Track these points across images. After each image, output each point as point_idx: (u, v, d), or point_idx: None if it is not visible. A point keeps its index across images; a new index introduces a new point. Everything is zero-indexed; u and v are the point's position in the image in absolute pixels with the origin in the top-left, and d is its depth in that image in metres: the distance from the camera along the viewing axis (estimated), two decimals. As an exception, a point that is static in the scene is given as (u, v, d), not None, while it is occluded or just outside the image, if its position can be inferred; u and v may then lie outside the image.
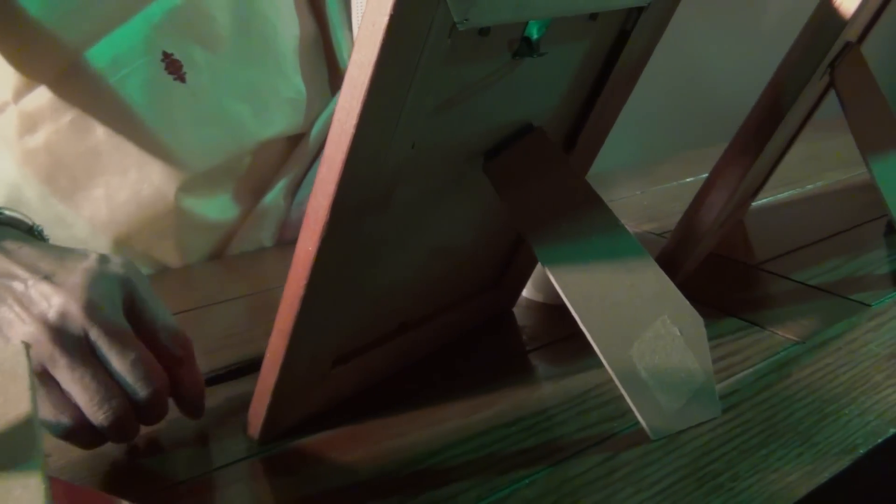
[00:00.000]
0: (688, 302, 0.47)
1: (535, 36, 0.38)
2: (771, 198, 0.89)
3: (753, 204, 0.85)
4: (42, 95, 0.64)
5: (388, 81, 0.31)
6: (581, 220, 0.44)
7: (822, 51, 0.49)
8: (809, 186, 0.94)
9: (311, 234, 0.35)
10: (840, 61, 0.60)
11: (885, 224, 0.79)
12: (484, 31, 0.35)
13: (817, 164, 1.04)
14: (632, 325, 0.45)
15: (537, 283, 0.61)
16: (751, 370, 0.53)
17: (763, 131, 0.53)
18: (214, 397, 0.49)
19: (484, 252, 0.52)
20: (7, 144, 0.66)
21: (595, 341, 0.44)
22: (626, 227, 0.46)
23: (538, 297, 0.63)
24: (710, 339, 0.57)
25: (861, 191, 0.92)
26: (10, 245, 0.41)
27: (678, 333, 0.47)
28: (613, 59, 0.45)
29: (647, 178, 1.02)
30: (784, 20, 1.94)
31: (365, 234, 0.37)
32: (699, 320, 0.47)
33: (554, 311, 0.61)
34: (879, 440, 0.45)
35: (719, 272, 0.69)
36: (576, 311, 0.43)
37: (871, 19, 0.65)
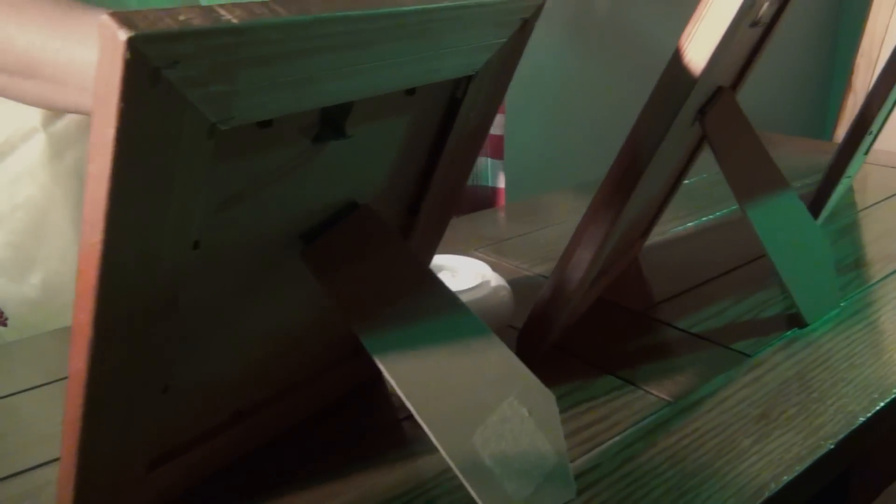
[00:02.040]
0: (537, 379, 0.44)
1: (336, 119, 0.35)
2: (680, 227, 0.88)
3: (658, 234, 0.83)
4: (71, 118, 0.65)
5: (135, 192, 0.27)
6: (414, 303, 0.41)
7: (677, 104, 0.47)
8: (714, 215, 0.93)
9: (80, 352, 0.31)
10: (711, 107, 0.58)
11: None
12: (265, 124, 0.31)
13: (723, 191, 1.03)
14: (475, 410, 0.42)
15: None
16: (617, 438, 0.51)
17: (623, 187, 0.51)
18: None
19: (333, 325, 0.49)
20: (35, 169, 0.67)
21: (433, 432, 0.41)
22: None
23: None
24: (581, 402, 0.55)
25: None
26: None
27: (527, 414, 0.44)
28: (448, 126, 0.42)
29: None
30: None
31: (154, 339, 0.34)
32: (550, 398, 0.45)
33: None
34: (733, 522, 0.43)
35: (602, 321, 0.67)
36: (410, 402, 0.40)
37: (744, 63, 0.64)
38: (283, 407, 0.48)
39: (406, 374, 0.40)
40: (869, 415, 0.53)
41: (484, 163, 1.09)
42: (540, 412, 0.44)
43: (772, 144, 1.31)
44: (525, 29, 0.41)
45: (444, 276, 0.64)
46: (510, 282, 0.76)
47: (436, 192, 0.46)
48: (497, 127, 1.04)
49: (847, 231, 0.88)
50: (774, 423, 0.52)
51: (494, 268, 0.79)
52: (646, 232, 0.78)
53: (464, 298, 0.59)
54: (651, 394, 0.56)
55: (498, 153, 1.07)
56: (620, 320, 0.67)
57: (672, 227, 0.90)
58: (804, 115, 2.25)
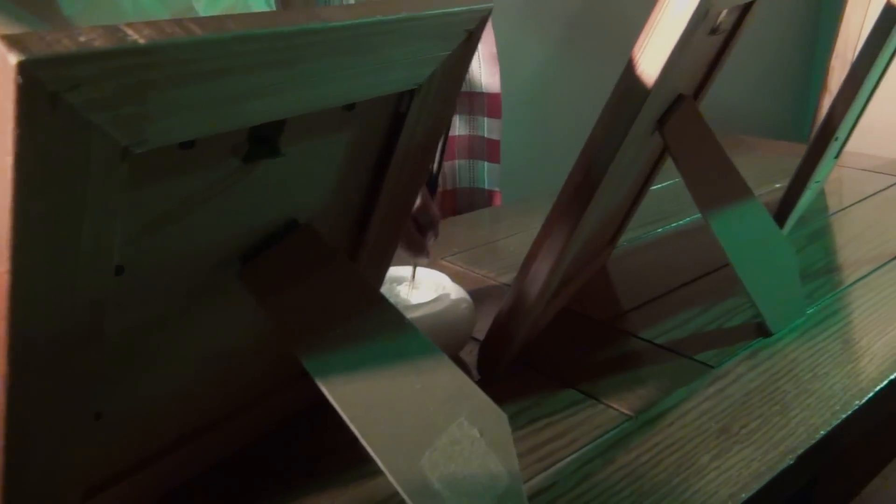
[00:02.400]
0: (489, 399, 0.43)
1: (268, 138, 0.33)
2: (650, 233, 0.87)
3: (627, 241, 0.82)
4: None
5: (41, 219, 0.26)
6: (359, 323, 0.40)
7: (631, 116, 0.46)
8: (684, 221, 0.93)
9: (-6, 384, 0.30)
10: (670, 116, 0.57)
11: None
12: (187, 145, 0.30)
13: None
14: (423, 432, 0.41)
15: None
16: (575, 455, 0.50)
17: (579, 200, 0.50)
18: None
19: (280, 345, 0.48)
20: None
21: (378, 456, 0.40)
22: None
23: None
24: (540, 418, 0.54)
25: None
26: None
27: (478, 435, 0.43)
28: (393, 141, 0.41)
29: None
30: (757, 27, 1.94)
31: (78, 367, 0.33)
32: (502, 418, 0.44)
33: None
34: (688, 544, 0.42)
35: (567, 332, 0.66)
36: (354, 426, 0.39)
37: (706, 71, 0.63)
38: (231, 429, 0.47)
39: (349, 397, 0.39)
40: (830, 428, 0.52)
41: (481, 166, 1.10)
42: (492, 432, 0.43)
43: (745, 147, 1.32)
44: (471, 40, 0.40)
45: (403, 289, 0.63)
46: (476, 291, 0.75)
47: (384, 208, 0.45)
48: (493, 132, 1.06)
49: (817, 236, 0.88)
50: (735, 437, 0.51)
51: (462, 277, 0.78)
52: (613, 240, 0.77)
53: (422, 312, 0.58)
54: (612, 408, 0.55)
55: (494, 157, 1.08)
56: (585, 331, 0.67)
57: (641, 233, 0.89)
58: (785, 117, 2.25)
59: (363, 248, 0.46)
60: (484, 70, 1.05)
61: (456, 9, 0.37)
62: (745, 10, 0.61)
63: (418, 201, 0.56)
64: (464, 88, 1.07)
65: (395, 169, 0.43)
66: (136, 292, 0.34)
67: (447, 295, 0.59)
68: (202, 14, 0.76)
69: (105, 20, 0.73)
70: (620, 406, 0.55)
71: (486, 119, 1.08)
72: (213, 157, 0.32)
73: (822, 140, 0.70)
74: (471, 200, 1.12)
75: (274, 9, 0.81)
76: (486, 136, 1.08)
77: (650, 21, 0.45)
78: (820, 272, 0.77)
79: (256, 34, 0.28)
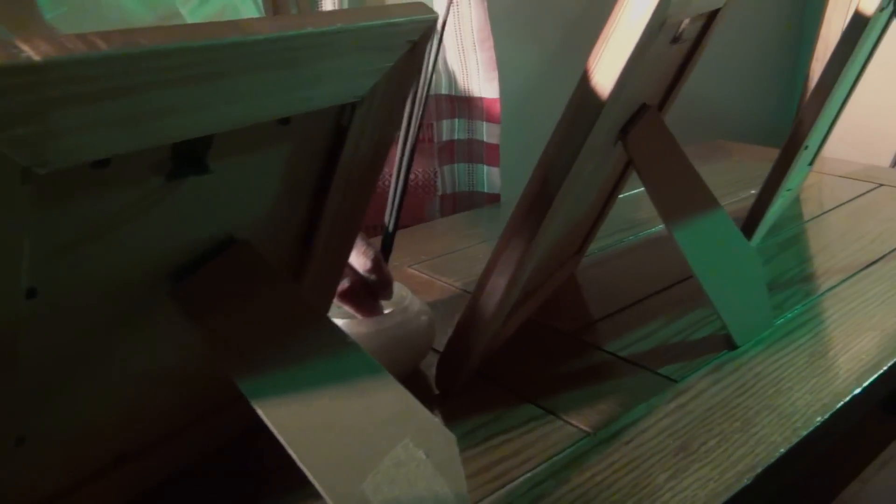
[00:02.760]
0: (436, 420, 0.42)
1: (195, 154, 0.32)
2: (620, 242, 0.86)
3: (597, 249, 0.81)
4: None
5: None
6: (298, 342, 0.39)
7: (586, 127, 0.45)
8: (655, 229, 0.92)
9: None
10: (633, 126, 0.56)
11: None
12: (101, 163, 0.29)
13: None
14: (365, 455, 0.40)
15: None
16: (528, 475, 0.48)
17: (535, 212, 0.48)
18: None
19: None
20: None
21: (317, 480, 0.38)
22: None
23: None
24: (496, 434, 0.53)
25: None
26: None
27: (424, 457, 0.42)
28: (336, 154, 0.40)
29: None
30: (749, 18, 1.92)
31: (-6, 394, 0.31)
32: (450, 439, 0.43)
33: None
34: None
35: (530, 345, 0.65)
36: (292, 449, 0.38)
37: (671, 80, 0.62)
38: (171, 450, 0.46)
39: (286, 419, 0.38)
40: (790, 445, 0.51)
41: (480, 170, 1.11)
42: (439, 454, 0.42)
43: (724, 152, 1.31)
44: (416, 51, 0.39)
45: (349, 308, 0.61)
46: (441, 301, 0.74)
47: (331, 223, 0.43)
48: (493, 136, 1.07)
49: (789, 244, 0.87)
50: (693, 455, 0.50)
51: (427, 286, 0.77)
52: (580, 249, 0.76)
53: (379, 326, 0.57)
54: (570, 424, 0.54)
55: (494, 161, 1.09)
56: (549, 343, 0.65)
57: (613, 241, 0.88)
58: (771, 121, 2.25)
59: (309, 267, 0.45)
60: (482, 76, 1.04)
61: (395, 20, 0.36)
62: (711, 18, 0.60)
63: (368, 263, 0.54)
64: (462, 94, 1.06)
65: (339, 184, 0.41)
66: (54, 314, 0.32)
67: (405, 308, 0.58)
68: (189, 19, 0.74)
69: (88, 26, 0.71)
70: (579, 422, 0.54)
71: (485, 123, 1.07)
72: (132, 176, 0.31)
73: (791, 149, 0.69)
74: (470, 204, 1.12)
75: (262, 14, 0.79)
76: (485, 140, 1.08)
77: (605, 31, 0.44)
78: (790, 282, 0.76)
79: (169, 49, 0.27)
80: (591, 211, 0.70)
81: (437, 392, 0.58)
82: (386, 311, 0.59)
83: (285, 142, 0.37)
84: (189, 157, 0.32)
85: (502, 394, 0.58)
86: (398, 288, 0.62)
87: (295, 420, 0.38)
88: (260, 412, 0.38)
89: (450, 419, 0.55)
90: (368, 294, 0.56)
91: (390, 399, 0.41)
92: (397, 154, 0.61)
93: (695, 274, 0.61)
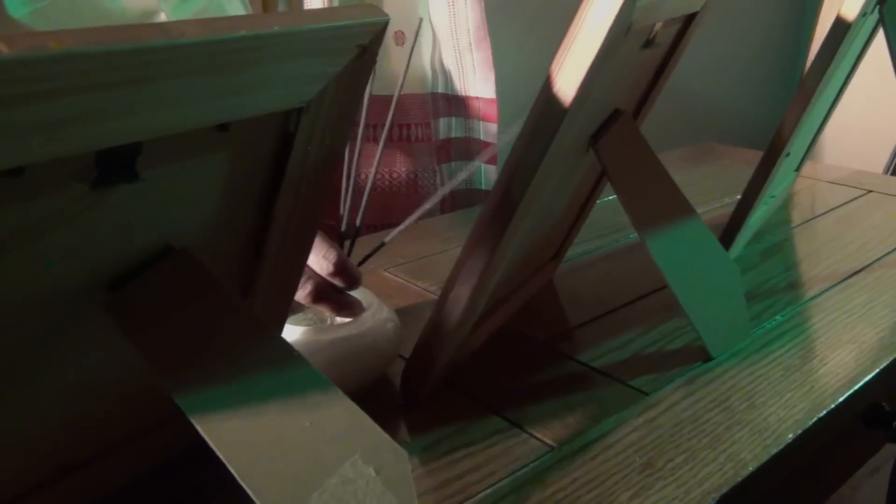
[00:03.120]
0: (387, 436, 0.41)
1: (123, 161, 0.31)
2: (595, 246, 0.84)
3: (577, 255, 0.80)
4: None
5: None
6: (240, 355, 0.37)
7: (549, 135, 0.44)
8: (635, 235, 0.90)
9: None
10: (604, 133, 0.55)
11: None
12: (14, 172, 0.27)
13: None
14: (311, 472, 0.38)
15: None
16: (488, 491, 0.47)
17: (498, 221, 0.47)
18: None
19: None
20: None
21: (259, 498, 0.37)
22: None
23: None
24: (459, 447, 0.52)
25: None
26: None
27: (374, 474, 0.40)
28: (283, 162, 0.39)
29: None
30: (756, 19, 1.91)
31: None
32: (402, 455, 0.41)
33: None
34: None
35: (501, 353, 0.63)
36: (232, 466, 0.36)
37: (647, 85, 0.61)
38: (118, 462, 0.44)
39: (227, 435, 0.37)
40: (760, 463, 0.50)
41: (478, 168, 1.11)
42: (390, 471, 0.40)
43: (714, 155, 1.30)
44: (366, 55, 0.37)
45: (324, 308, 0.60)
46: (414, 306, 0.72)
47: (282, 230, 0.42)
48: (489, 135, 1.06)
49: (773, 251, 0.86)
50: (658, 473, 0.49)
51: (401, 291, 0.75)
52: (557, 255, 0.74)
53: (341, 333, 0.55)
54: (535, 437, 0.52)
55: (491, 159, 1.09)
56: (521, 352, 0.64)
57: (593, 247, 0.86)
58: (770, 124, 2.24)
59: (262, 274, 0.43)
60: (478, 75, 1.03)
61: (341, 23, 0.35)
62: (687, 22, 0.59)
63: (330, 267, 0.53)
64: (459, 93, 1.06)
65: (288, 192, 0.40)
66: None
67: (370, 314, 0.57)
68: (171, 16, 0.72)
69: (63, 23, 0.69)
70: (544, 436, 0.52)
71: (481, 123, 1.07)
72: (52, 184, 0.29)
73: (772, 156, 0.68)
74: (468, 202, 1.11)
75: (249, 11, 0.78)
76: (482, 138, 1.07)
77: (568, 35, 0.42)
78: (771, 291, 0.75)
79: (83, 53, 0.25)
80: (567, 216, 0.69)
81: (400, 402, 0.56)
82: (345, 320, 0.57)
83: (225, 148, 0.35)
84: (116, 165, 0.31)
85: (468, 404, 0.56)
86: (364, 294, 0.60)
87: (236, 436, 0.37)
88: (199, 428, 0.36)
89: (412, 430, 0.54)
90: (339, 291, 0.55)
91: (338, 414, 0.40)
92: (352, 152, 0.60)
93: (669, 284, 0.59)
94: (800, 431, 0.53)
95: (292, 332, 0.54)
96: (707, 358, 0.62)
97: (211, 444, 0.36)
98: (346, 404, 0.40)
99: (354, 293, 0.60)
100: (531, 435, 0.53)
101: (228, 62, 0.31)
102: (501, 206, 0.47)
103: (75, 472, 0.43)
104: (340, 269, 0.53)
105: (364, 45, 0.37)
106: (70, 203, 0.31)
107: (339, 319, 0.58)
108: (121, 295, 0.35)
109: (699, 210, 0.96)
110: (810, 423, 0.54)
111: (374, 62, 0.38)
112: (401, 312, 0.62)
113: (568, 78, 0.42)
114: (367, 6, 0.36)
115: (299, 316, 0.56)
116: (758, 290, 0.75)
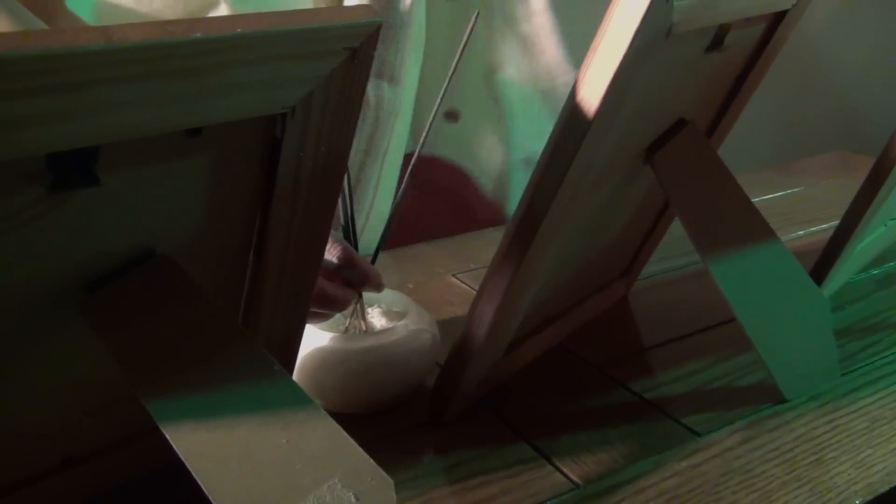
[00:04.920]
0: (371, 461, 0.38)
1: (81, 165, 0.30)
2: (685, 263, 0.78)
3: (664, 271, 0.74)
4: None
5: None
6: (218, 366, 0.36)
7: (572, 148, 0.40)
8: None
9: None
10: (663, 144, 0.50)
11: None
12: (-45, 174, 0.27)
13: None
14: (284, 492, 0.37)
15: (308, 379, 0.53)
16: (494, 527, 0.44)
17: (519, 240, 0.44)
18: None
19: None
20: None
21: (227, 514, 0.36)
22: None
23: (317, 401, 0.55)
24: (476, 474, 0.48)
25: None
26: None
27: (353, 500, 0.38)
28: (273, 168, 0.37)
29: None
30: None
31: None
32: (387, 483, 0.39)
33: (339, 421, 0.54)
34: None
35: (548, 376, 0.59)
36: (201, 480, 0.36)
37: (725, 95, 0.55)
38: (126, 456, 0.45)
39: (199, 448, 0.36)
40: (813, 531, 0.43)
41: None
42: (371, 499, 0.38)
43: (845, 166, 1.17)
44: (358, 58, 0.35)
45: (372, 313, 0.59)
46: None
47: (282, 240, 0.41)
48: None
49: (892, 280, 0.76)
50: (688, 529, 0.43)
51: (464, 298, 0.73)
52: (629, 271, 0.69)
53: (369, 342, 0.53)
54: (560, 472, 0.48)
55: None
56: (570, 375, 0.60)
57: (681, 263, 0.80)
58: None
59: (265, 287, 0.42)
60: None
61: (323, 25, 0.33)
62: (775, 22, 0.52)
63: (334, 261, 0.51)
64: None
65: (283, 201, 0.38)
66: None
67: (403, 324, 0.55)
68: (232, 9, 0.72)
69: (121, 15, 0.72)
70: (571, 471, 0.48)
71: None
72: (3, 187, 0.29)
73: (883, 169, 0.59)
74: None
75: (318, 4, 0.78)
76: None
77: (595, 39, 0.38)
78: (877, 327, 0.66)
79: (13, 57, 0.25)
80: (634, 230, 0.63)
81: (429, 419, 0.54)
82: (387, 326, 0.56)
83: (201, 153, 0.34)
84: (72, 169, 0.30)
85: (498, 428, 0.53)
86: (403, 301, 0.58)
87: (206, 448, 0.36)
88: (168, 436, 0.36)
89: (435, 449, 0.51)
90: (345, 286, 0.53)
91: (319, 434, 0.38)
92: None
93: (736, 314, 0.53)
94: (870, 498, 0.46)
95: (320, 339, 0.53)
96: (780, 400, 0.55)
97: (180, 455, 0.36)
98: (327, 423, 0.38)
99: (396, 299, 0.59)
100: (557, 468, 0.49)
101: (186, 67, 0.30)
102: (524, 223, 0.43)
103: (81, 463, 0.44)
104: (348, 261, 0.51)
105: (354, 47, 0.35)
106: (28, 205, 0.31)
107: (377, 326, 0.57)
108: (97, 296, 0.35)
109: (808, 229, 0.87)
110: (885, 489, 0.46)
111: (369, 66, 0.36)
112: (456, 322, 0.60)
113: (592, 86, 0.38)
114: (357, 7, 0.34)
115: (330, 322, 0.55)
116: (862, 323, 0.66)
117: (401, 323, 0.55)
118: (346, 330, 0.56)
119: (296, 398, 0.38)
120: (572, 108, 0.39)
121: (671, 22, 0.38)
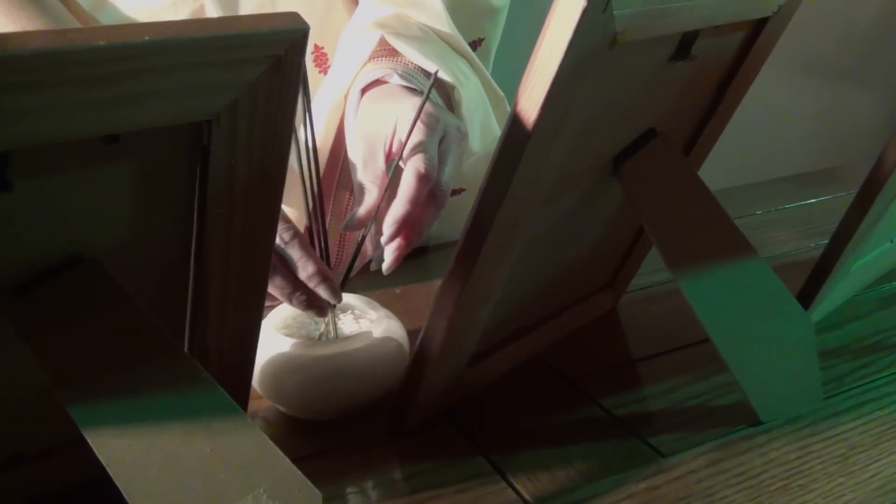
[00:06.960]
0: (300, 473, 0.38)
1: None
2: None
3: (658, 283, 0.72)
4: None
5: None
6: (143, 373, 0.36)
7: (513, 162, 0.38)
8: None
9: None
10: (630, 155, 0.48)
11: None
12: None
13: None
14: (208, 502, 0.37)
15: (269, 385, 0.53)
16: (435, 544, 0.43)
17: (467, 253, 0.43)
18: None
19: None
20: None
21: (147, 524, 0.36)
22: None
23: (279, 406, 0.55)
24: (427, 489, 0.48)
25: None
26: None
27: (279, 512, 0.38)
28: (203, 176, 0.37)
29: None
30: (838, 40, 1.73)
31: None
32: (315, 496, 0.38)
33: (301, 426, 0.54)
34: None
35: (520, 388, 0.58)
36: (122, 486, 0.36)
37: (706, 105, 0.53)
38: (72, 459, 0.45)
39: (120, 453, 0.36)
40: (765, 563, 0.42)
41: None
42: (299, 510, 0.38)
43: (853, 179, 1.12)
44: (283, 66, 0.35)
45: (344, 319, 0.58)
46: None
47: (221, 248, 0.40)
48: None
49: (893, 300, 0.72)
50: (634, 554, 0.42)
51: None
52: (615, 283, 0.67)
53: (331, 350, 0.53)
54: (513, 489, 0.47)
55: None
56: (541, 388, 0.58)
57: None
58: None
59: (208, 294, 0.42)
60: None
61: (242, 32, 0.32)
62: (755, 30, 0.50)
63: (311, 268, 0.51)
64: None
65: (219, 208, 0.38)
66: None
67: (368, 331, 0.54)
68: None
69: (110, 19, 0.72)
70: (525, 489, 0.47)
71: None
72: None
73: (874, 186, 0.56)
74: None
75: None
76: None
77: (535, 48, 0.37)
78: (872, 348, 0.63)
79: None
80: (614, 242, 0.62)
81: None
82: (353, 334, 0.55)
83: (122, 160, 0.34)
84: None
85: (457, 441, 0.52)
86: (370, 306, 0.58)
87: (128, 454, 0.36)
88: (90, 442, 0.36)
89: (392, 460, 0.51)
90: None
91: (245, 444, 0.38)
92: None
93: (708, 332, 0.51)
94: (835, 531, 0.44)
95: (281, 345, 0.52)
96: (755, 422, 0.53)
97: (102, 461, 0.36)
98: (254, 434, 0.38)
99: (369, 306, 0.58)
100: (510, 485, 0.48)
101: (94, 74, 0.30)
102: (471, 235, 0.42)
103: (29, 461, 0.44)
104: (320, 275, 0.51)
105: (279, 55, 0.34)
106: (-62, 209, 0.31)
107: (344, 332, 0.56)
108: (23, 300, 0.36)
109: (820, 241, 0.83)
110: (850, 522, 0.44)
111: (298, 73, 0.36)
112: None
113: (531, 98, 0.37)
114: (281, 14, 0.34)
115: (292, 328, 0.55)
116: (857, 344, 0.64)
117: (365, 330, 0.54)
118: (321, 337, 0.56)
119: (223, 407, 0.37)
120: (513, 119, 0.38)
121: (614, 31, 0.37)
